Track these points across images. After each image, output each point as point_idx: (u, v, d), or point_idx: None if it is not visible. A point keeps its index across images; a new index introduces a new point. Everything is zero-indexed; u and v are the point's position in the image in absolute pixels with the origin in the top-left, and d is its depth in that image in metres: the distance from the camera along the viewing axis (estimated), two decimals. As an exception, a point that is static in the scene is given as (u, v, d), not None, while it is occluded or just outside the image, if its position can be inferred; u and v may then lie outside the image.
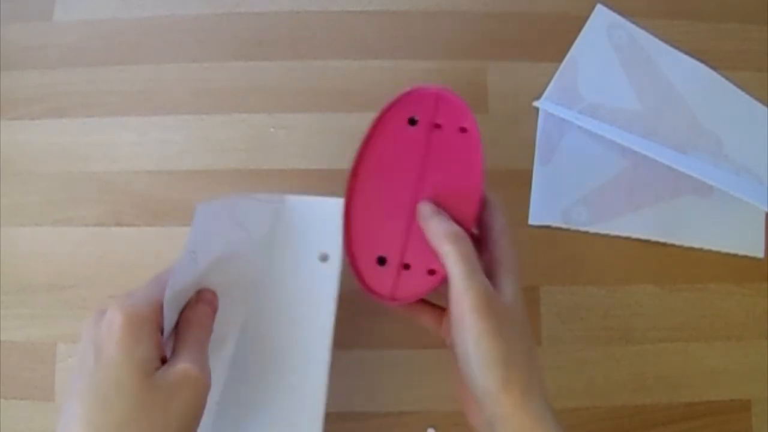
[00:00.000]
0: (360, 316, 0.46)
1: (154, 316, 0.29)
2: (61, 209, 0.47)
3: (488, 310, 0.31)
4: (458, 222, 0.34)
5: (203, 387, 0.29)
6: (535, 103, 0.48)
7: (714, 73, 0.49)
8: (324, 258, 0.37)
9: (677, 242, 0.47)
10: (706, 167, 0.47)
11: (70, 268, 0.46)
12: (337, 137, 0.48)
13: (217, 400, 0.36)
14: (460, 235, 0.33)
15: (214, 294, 0.34)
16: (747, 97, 0.49)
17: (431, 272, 0.35)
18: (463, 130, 0.36)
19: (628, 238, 0.47)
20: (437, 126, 0.36)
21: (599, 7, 0.50)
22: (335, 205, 0.37)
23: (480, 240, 0.35)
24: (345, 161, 0.47)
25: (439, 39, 0.50)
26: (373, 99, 0.49)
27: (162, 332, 0.30)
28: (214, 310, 0.34)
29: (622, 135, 0.47)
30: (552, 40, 0.50)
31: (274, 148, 0.48)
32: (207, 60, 0.50)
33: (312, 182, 0.47)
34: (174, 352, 0.30)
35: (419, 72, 0.49)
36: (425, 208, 0.35)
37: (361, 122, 0.48)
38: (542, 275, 0.46)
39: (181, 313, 0.32)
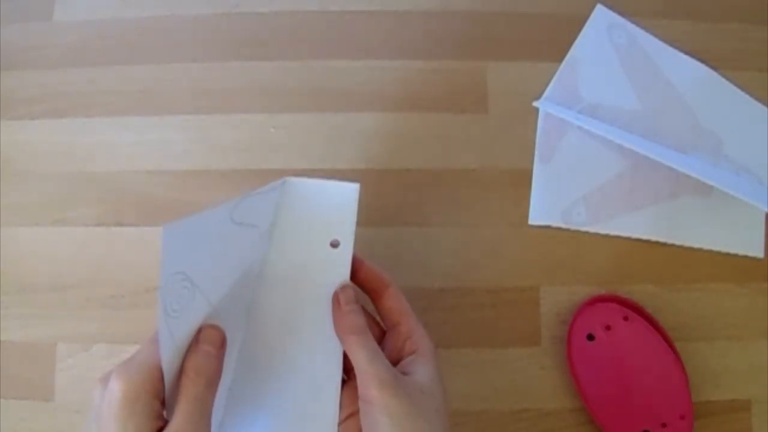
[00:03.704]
0: (360, 316, 0.46)
1: (150, 387, 0.28)
2: (61, 209, 0.47)
3: (397, 388, 0.31)
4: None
5: None
6: (535, 103, 0.48)
7: (714, 73, 0.49)
8: (335, 244, 0.37)
9: (677, 242, 0.47)
10: (706, 167, 0.47)
11: (70, 268, 0.46)
12: (337, 137, 0.48)
13: (229, 386, 0.35)
14: (363, 328, 0.34)
15: (215, 328, 0.32)
16: (747, 97, 0.49)
17: None
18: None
19: (628, 238, 0.47)
20: None
21: (599, 7, 0.50)
22: (345, 189, 0.37)
23: (387, 330, 0.37)
24: (345, 161, 0.48)
25: (439, 39, 0.50)
26: (373, 99, 0.49)
27: (163, 401, 0.29)
28: (220, 345, 0.31)
29: (622, 135, 0.47)
30: (552, 40, 0.50)
31: (274, 148, 0.48)
32: (207, 60, 0.50)
33: (312, 182, 0.47)
34: (173, 413, 0.29)
35: (419, 72, 0.49)
36: (343, 295, 0.35)
37: (361, 122, 0.49)
38: (542, 275, 0.46)
39: (184, 360, 0.30)
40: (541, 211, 0.47)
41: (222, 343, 0.31)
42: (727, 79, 0.49)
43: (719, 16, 0.50)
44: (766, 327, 0.46)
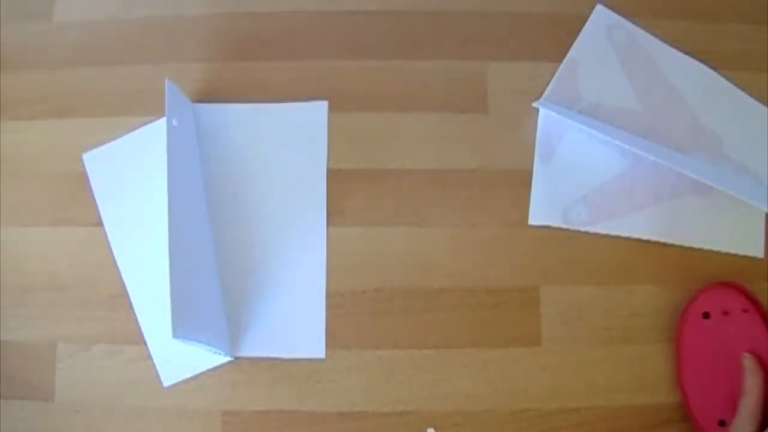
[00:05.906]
0: (360, 316, 0.46)
1: None
2: (61, 209, 0.47)
3: None
4: None
5: None
6: (535, 104, 0.48)
7: (714, 73, 0.49)
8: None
9: (677, 242, 0.47)
10: (706, 167, 0.47)
11: (70, 268, 0.46)
12: (337, 137, 0.48)
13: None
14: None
15: None
16: (747, 97, 0.49)
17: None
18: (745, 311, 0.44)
19: (628, 238, 0.47)
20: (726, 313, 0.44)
21: (599, 7, 0.50)
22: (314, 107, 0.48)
23: None
24: (345, 161, 0.48)
25: (439, 39, 0.50)
26: (372, 99, 0.49)
27: None
28: None
29: (622, 135, 0.47)
30: (552, 40, 0.50)
31: (274, 148, 0.48)
32: (207, 60, 0.50)
33: (312, 182, 0.47)
34: None
35: (419, 72, 0.49)
36: (748, 362, 0.42)
37: (360, 122, 0.49)
38: (542, 275, 0.46)
39: None
40: (541, 211, 0.47)
41: None
42: (727, 79, 0.49)
43: (719, 16, 0.50)
44: (766, 327, 0.46)
